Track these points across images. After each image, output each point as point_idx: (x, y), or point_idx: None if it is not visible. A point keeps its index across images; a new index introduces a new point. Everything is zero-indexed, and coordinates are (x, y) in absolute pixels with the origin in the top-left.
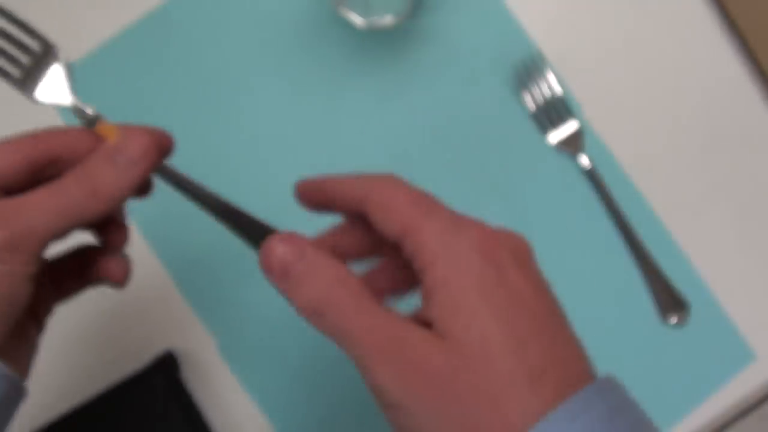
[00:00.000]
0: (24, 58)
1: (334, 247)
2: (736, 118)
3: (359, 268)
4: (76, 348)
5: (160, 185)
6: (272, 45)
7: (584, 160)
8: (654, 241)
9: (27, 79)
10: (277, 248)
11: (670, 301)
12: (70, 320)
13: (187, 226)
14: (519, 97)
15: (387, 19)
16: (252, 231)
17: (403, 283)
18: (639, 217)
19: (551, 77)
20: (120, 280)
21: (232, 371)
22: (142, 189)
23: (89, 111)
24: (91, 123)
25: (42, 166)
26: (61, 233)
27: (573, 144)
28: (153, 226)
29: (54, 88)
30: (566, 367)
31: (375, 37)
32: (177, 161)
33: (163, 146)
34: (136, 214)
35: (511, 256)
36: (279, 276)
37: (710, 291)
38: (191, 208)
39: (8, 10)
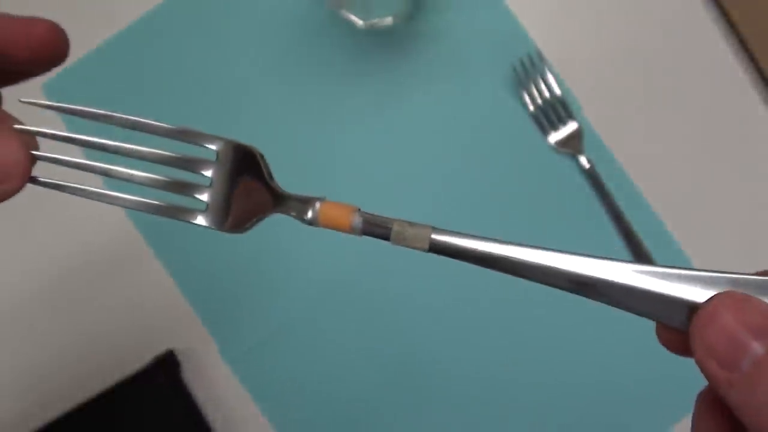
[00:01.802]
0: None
1: None
2: (736, 118)
3: None
4: (76, 347)
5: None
6: (271, 45)
7: (584, 161)
8: (654, 241)
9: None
10: (726, 320)
11: None
12: (72, 320)
13: (189, 227)
14: (519, 97)
15: (387, 21)
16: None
17: None
18: (639, 218)
19: (551, 77)
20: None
21: (232, 371)
22: (54, 59)
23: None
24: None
25: None
26: None
27: (573, 144)
28: (153, 226)
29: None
30: None
31: (375, 37)
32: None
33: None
34: (136, 213)
35: None
36: (724, 361)
37: None
38: None
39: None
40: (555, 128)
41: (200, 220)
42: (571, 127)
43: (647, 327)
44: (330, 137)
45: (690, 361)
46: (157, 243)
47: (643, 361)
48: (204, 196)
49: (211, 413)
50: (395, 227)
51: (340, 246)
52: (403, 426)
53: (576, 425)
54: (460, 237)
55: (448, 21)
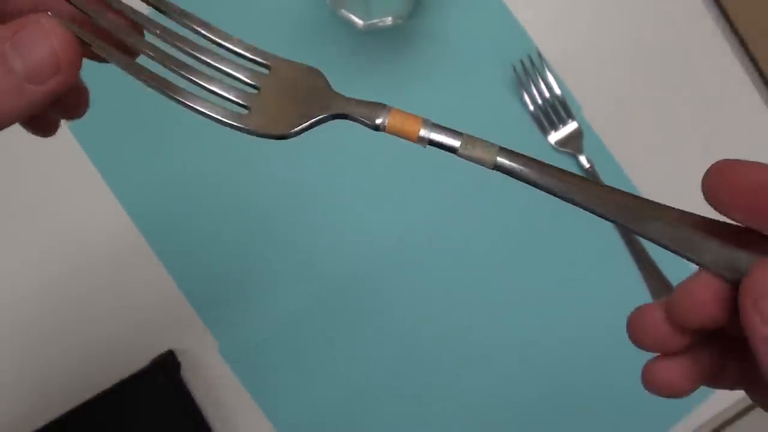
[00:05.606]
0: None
1: None
2: (736, 118)
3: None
4: (77, 347)
5: (159, 176)
6: (271, 45)
7: (584, 160)
8: None
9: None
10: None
11: None
12: (72, 320)
13: (189, 227)
14: (519, 97)
15: (387, 21)
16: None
17: None
18: None
19: (551, 77)
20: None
21: (232, 371)
22: (74, 107)
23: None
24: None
25: None
26: None
27: (573, 144)
28: (153, 225)
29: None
30: None
31: (375, 37)
32: (175, 161)
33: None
34: (135, 213)
35: None
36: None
37: None
38: (191, 207)
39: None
40: (555, 128)
41: (238, 121)
42: (571, 127)
43: None
44: (329, 137)
45: None
46: (158, 243)
47: (641, 362)
48: (248, 100)
49: (211, 413)
50: (465, 137)
51: (341, 245)
52: (404, 425)
53: (575, 426)
54: (524, 157)
55: (448, 21)
